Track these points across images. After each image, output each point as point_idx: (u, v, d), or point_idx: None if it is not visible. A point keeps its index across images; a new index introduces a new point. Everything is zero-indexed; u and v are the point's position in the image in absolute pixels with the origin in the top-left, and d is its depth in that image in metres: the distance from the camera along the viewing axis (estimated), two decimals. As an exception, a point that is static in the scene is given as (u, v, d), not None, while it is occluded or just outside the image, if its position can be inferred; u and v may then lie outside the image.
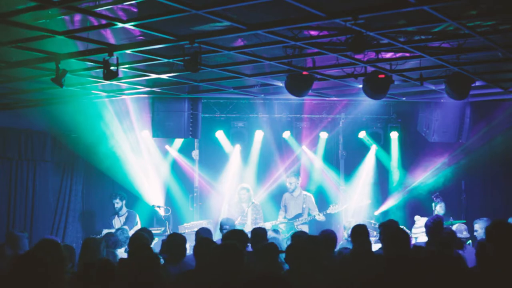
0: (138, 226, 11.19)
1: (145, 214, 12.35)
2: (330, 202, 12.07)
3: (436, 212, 10.95)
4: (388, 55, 8.51)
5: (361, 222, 8.15)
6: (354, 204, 12.44)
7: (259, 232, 7.18)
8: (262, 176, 13.05)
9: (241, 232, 6.73)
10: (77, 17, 6.80)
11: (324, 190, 13.01)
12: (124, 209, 11.58)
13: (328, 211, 11.44)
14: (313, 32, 7.47)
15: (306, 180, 13.24)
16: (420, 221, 10.56)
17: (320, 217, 11.33)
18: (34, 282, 4.37)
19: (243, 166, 13.17)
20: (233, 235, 6.50)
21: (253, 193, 11.86)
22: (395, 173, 13.21)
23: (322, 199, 12.65)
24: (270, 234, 7.87)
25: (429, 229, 7.75)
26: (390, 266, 5.12)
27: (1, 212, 11.41)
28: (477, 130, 11.94)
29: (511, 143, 11.74)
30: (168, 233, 11.28)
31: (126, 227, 9.98)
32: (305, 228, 11.15)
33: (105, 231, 10.51)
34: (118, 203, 11.46)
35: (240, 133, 12.97)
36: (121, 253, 8.11)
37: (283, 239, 8.92)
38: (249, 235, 7.10)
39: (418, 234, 10.31)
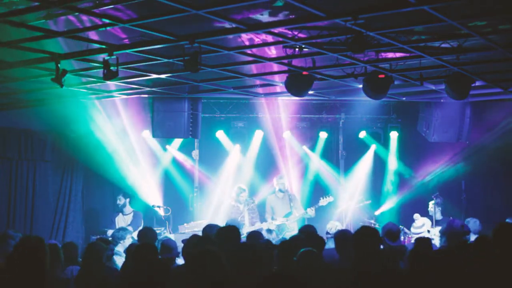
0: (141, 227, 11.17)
1: (144, 214, 12.33)
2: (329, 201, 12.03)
3: (431, 212, 10.94)
4: (389, 55, 8.51)
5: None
6: (354, 204, 12.43)
7: (254, 235, 7.16)
8: (262, 176, 13.04)
9: (235, 229, 6.64)
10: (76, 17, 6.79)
11: (323, 190, 12.98)
12: (130, 209, 11.54)
13: (320, 204, 11.43)
14: (313, 32, 7.46)
15: (305, 180, 13.25)
16: (420, 221, 10.53)
17: (311, 212, 11.31)
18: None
19: (243, 166, 13.16)
20: (227, 232, 6.46)
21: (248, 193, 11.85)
22: (395, 173, 13.21)
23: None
24: (264, 235, 7.87)
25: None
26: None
27: (1, 212, 11.39)
28: (477, 130, 11.92)
29: (511, 143, 11.73)
30: (169, 233, 11.28)
31: (130, 228, 10.00)
32: (295, 226, 11.14)
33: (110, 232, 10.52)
34: (121, 200, 11.42)
35: (240, 133, 12.98)
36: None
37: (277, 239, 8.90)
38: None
39: (419, 234, 10.26)
